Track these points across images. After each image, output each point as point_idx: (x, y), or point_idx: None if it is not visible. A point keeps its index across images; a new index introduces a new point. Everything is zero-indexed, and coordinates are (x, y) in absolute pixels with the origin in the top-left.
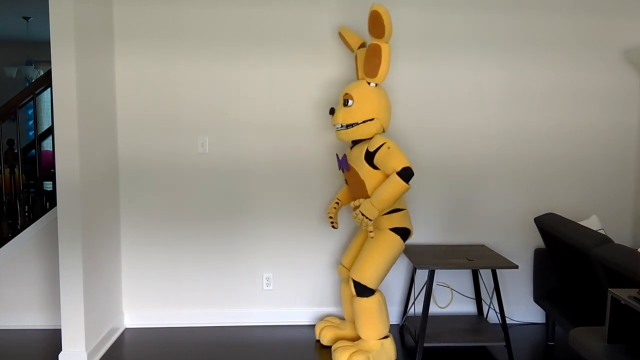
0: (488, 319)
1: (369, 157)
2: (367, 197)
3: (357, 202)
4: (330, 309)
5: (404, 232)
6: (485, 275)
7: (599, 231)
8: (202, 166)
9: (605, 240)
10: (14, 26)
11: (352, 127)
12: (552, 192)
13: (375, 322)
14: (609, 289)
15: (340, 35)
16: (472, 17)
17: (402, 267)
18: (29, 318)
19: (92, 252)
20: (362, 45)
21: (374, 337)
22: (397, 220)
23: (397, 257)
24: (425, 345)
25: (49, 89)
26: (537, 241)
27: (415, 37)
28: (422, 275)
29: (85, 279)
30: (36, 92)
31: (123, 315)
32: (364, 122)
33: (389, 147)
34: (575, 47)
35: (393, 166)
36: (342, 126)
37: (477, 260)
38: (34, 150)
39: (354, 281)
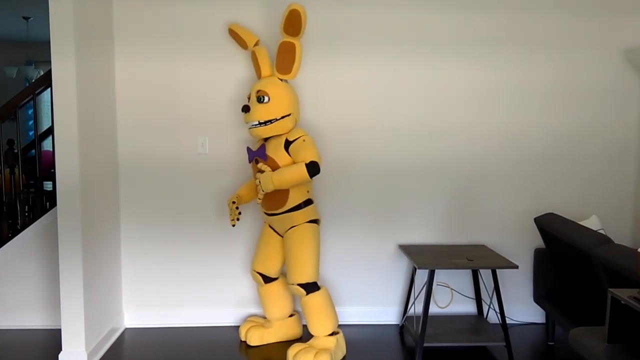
0: (488, 319)
1: (287, 145)
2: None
3: (262, 167)
4: (336, 308)
5: (318, 222)
6: (485, 275)
7: (599, 231)
8: (202, 166)
9: (605, 240)
10: (14, 26)
11: (271, 123)
12: (552, 192)
13: (326, 316)
14: (609, 289)
15: (231, 32)
16: (472, 17)
17: (402, 267)
18: (29, 318)
19: (92, 252)
20: (258, 43)
21: (327, 331)
22: (311, 213)
23: (319, 245)
24: (425, 345)
25: (49, 89)
26: (537, 241)
27: (415, 37)
28: (422, 275)
29: (85, 279)
30: (36, 92)
31: (123, 315)
32: (282, 117)
33: (304, 140)
34: (575, 47)
35: (304, 157)
36: (258, 123)
37: (477, 260)
38: (34, 150)
39: (300, 284)
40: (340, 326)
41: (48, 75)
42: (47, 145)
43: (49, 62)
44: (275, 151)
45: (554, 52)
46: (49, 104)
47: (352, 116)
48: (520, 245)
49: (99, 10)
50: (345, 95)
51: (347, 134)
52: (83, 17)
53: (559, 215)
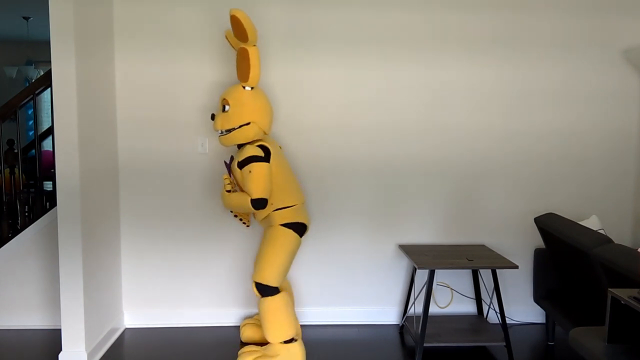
0: (488, 319)
1: (240, 165)
2: None
3: (224, 179)
4: (330, 309)
5: (297, 227)
6: (485, 275)
7: (599, 231)
8: (202, 166)
9: (605, 240)
10: (14, 26)
11: (229, 132)
12: (552, 192)
13: (280, 323)
14: (609, 289)
15: (227, 37)
16: (471, 18)
17: (402, 267)
18: (29, 318)
19: (92, 252)
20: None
21: (279, 338)
22: (288, 216)
23: (294, 252)
24: (425, 345)
25: (49, 89)
26: (537, 241)
27: (415, 36)
28: (422, 275)
29: (85, 278)
30: (36, 92)
31: (123, 315)
32: (240, 126)
33: (249, 172)
34: (575, 47)
35: (249, 190)
36: (222, 132)
37: (477, 260)
38: (34, 150)
39: (256, 283)
40: (340, 326)
41: (48, 75)
42: (47, 145)
43: (49, 62)
44: (234, 168)
45: (554, 52)
46: (49, 104)
47: (352, 116)
48: (520, 245)
49: (99, 10)
50: (345, 96)
51: (347, 133)
52: (83, 17)
53: (559, 215)
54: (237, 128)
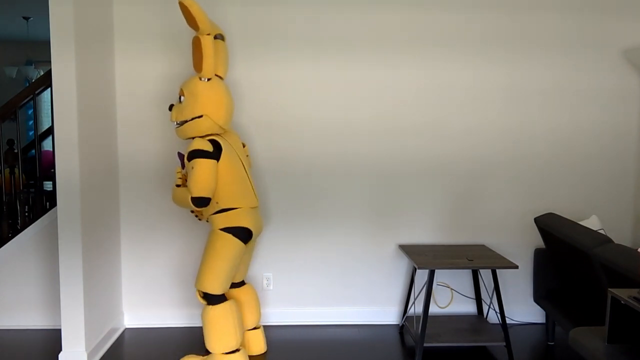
0: (488, 319)
1: (188, 158)
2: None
3: (176, 172)
4: (330, 309)
5: (238, 231)
6: (485, 275)
7: (599, 231)
8: None
9: (605, 240)
10: (14, 26)
11: (182, 124)
12: (552, 192)
13: (222, 333)
14: (609, 289)
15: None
16: (472, 17)
17: (402, 267)
18: (29, 318)
19: (92, 252)
20: (218, 37)
21: (221, 349)
22: (228, 220)
23: (235, 257)
24: (425, 345)
25: (49, 89)
26: (537, 241)
27: (414, 36)
28: (422, 275)
29: (85, 279)
30: (36, 92)
31: (123, 315)
32: (193, 119)
33: (192, 167)
34: (575, 47)
35: (190, 188)
36: (177, 123)
37: (477, 260)
38: (34, 150)
39: (202, 293)
40: (340, 326)
41: (48, 75)
42: (47, 145)
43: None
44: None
45: (554, 52)
46: (49, 104)
47: (353, 116)
48: (520, 245)
49: (99, 10)
50: (345, 96)
51: (348, 133)
52: (83, 17)
53: (559, 215)
54: (190, 120)
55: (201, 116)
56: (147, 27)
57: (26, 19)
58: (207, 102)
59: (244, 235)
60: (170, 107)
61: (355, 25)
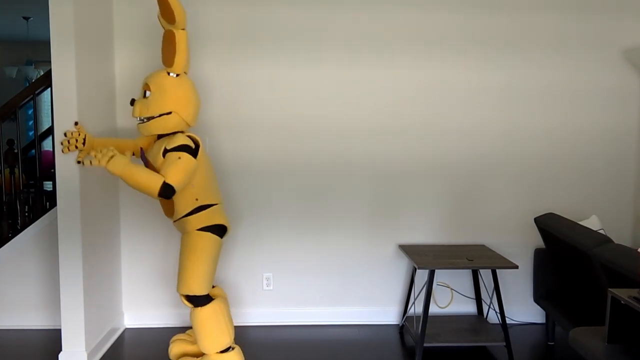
0: (488, 319)
1: (165, 153)
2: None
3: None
4: (331, 309)
5: (215, 229)
6: (485, 275)
7: (599, 231)
8: None
9: (605, 240)
10: (14, 26)
11: (148, 120)
12: (552, 192)
13: (213, 333)
14: (609, 289)
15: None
16: (472, 17)
17: (402, 267)
18: (29, 318)
19: (92, 252)
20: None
21: (214, 349)
22: (204, 219)
23: (217, 256)
24: (425, 345)
25: (49, 89)
26: (537, 241)
27: (415, 36)
28: (422, 275)
29: (85, 279)
30: (36, 92)
31: (123, 315)
32: (160, 115)
33: (179, 158)
34: (575, 47)
35: (167, 173)
36: (140, 119)
37: (477, 260)
38: (34, 150)
39: (186, 296)
40: (340, 326)
41: (48, 75)
42: (47, 145)
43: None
44: (155, 157)
45: (554, 52)
46: (49, 104)
47: (353, 116)
48: (520, 245)
49: (99, 10)
50: (346, 95)
51: (348, 133)
52: (83, 17)
53: (559, 215)
54: (157, 117)
55: (169, 112)
56: (147, 27)
57: (26, 19)
58: (176, 98)
59: (220, 231)
60: (132, 102)
61: (355, 25)
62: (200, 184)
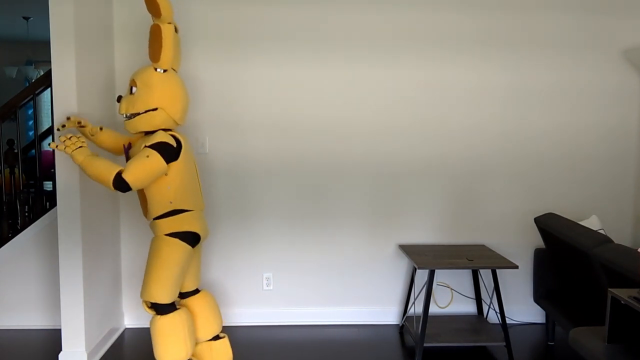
0: (488, 319)
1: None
2: (147, 194)
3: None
4: (330, 309)
5: (185, 236)
6: (485, 275)
7: (599, 231)
8: (202, 166)
9: (605, 240)
10: (14, 26)
11: (134, 117)
12: (552, 192)
13: (170, 345)
14: (609, 289)
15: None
16: (472, 17)
17: (402, 267)
18: (29, 318)
19: (92, 252)
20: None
21: None
22: (175, 225)
23: (184, 263)
24: (425, 345)
25: (49, 89)
26: (537, 241)
27: (417, 36)
28: (422, 275)
29: (85, 279)
30: (36, 92)
31: (123, 315)
32: (146, 111)
33: (147, 156)
34: (575, 47)
35: (127, 167)
36: (126, 116)
37: (477, 260)
38: (34, 150)
39: (149, 304)
40: (340, 326)
41: (48, 75)
42: (47, 145)
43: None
44: (135, 154)
45: (554, 52)
46: (49, 104)
47: (353, 116)
48: (520, 245)
49: (99, 10)
50: (346, 95)
51: (348, 133)
52: (83, 17)
53: (559, 215)
54: (143, 113)
55: (156, 109)
56: (147, 27)
57: (26, 19)
58: (162, 94)
59: (191, 239)
60: (119, 99)
61: (355, 25)
62: (177, 187)
